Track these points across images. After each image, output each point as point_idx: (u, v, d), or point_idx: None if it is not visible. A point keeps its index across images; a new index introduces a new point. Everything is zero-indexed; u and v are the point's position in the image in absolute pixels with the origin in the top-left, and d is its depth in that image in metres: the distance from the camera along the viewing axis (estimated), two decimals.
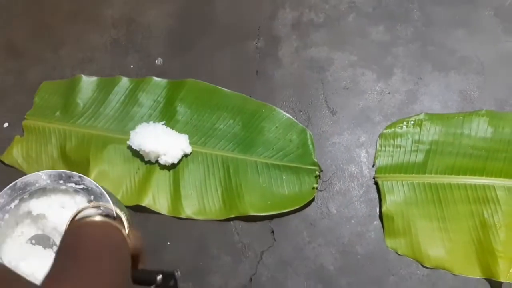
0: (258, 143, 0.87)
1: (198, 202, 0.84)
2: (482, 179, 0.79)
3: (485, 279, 0.75)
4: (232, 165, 0.86)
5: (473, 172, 0.80)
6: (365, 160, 0.86)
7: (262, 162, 0.86)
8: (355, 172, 0.85)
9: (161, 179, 0.86)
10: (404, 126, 0.86)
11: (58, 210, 0.72)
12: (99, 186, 0.69)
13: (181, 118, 0.90)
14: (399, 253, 0.78)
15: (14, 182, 0.70)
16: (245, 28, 1.00)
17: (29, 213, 0.73)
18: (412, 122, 0.86)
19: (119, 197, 0.83)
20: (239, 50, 0.98)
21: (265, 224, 0.83)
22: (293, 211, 0.83)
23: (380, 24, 0.96)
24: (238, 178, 0.85)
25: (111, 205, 0.55)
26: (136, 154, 0.87)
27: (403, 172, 0.82)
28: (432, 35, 0.94)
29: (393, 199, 0.80)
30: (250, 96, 0.92)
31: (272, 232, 0.82)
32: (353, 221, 0.82)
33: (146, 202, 0.84)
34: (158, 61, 0.98)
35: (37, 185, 0.70)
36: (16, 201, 0.70)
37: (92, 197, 0.69)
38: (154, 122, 0.89)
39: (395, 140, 0.85)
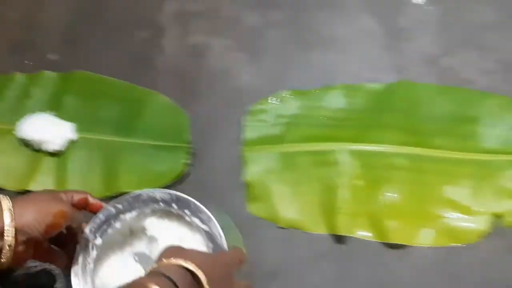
0: (140, 126, 0.95)
1: (83, 184, 0.92)
2: (332, 145, 0.87)
3: (330, 235, 0.83)
4: (114, 148, 0.94)
5: (325, 139, 0.88)
6: (235, 136, 0.94)
7: (141, 143, 0.94)
8: (225, 147, 0.93)
9: (48, 165, 0.94)
10: (269, 103, 0.94)
11: (173, 239, 0.66)
12: (224, 237, 0.62)
13: (69, 107, 0.97)
14: (259, 217, 0.86)
15: (140, 192, 0.66)
16: (135, 20, 1.07)
17: (143, 230, 0.68)
18: (276, 99, 0.94)
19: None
20: (129, 41, 1.06)
21: None
22: (167, 186, 0.91)
23: (254, 10, 1.04)
24: (119, 160, 0.93)
25: None
26: (25, 143, 0.94)
27: (265, 144, 0.91)
28: (300, 18, 1.01)
29: (253, 169, 0.89)
30: (135, 84, 0.99)
31: None
32: (220, 192, 0.90)
33: (32, 187, 0.91)
34: (53, 56, 1.06)
35: (162, 204, 0.65)
36: (134, 213, 0.65)
37: (210, 244, 0.62)
38: (43, 113, 0.96)
39: (260, 116, 0.93)
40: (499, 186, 0.80)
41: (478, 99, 0.87)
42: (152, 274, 0.46)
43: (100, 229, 0.64)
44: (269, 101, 0.94)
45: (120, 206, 0.65)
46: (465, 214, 0.80)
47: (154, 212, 0.66)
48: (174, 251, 0.50)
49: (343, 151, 0.86)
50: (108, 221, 0.64)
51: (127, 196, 0.65)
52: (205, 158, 0.93)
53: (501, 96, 0.86)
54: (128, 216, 0.65)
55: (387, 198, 0.82)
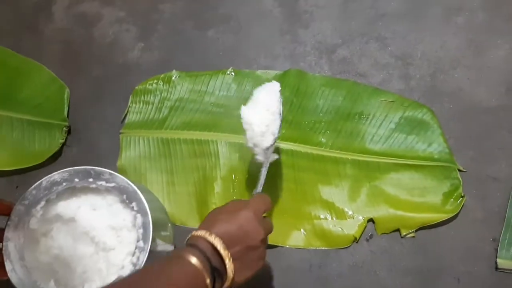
0: (17, 98, 0.88)
1: None
2: (212, 135, 0.82)
3: None
4: None
5: (205, 128, 0.83)
6: (117, 116, 0.87)
7: (17, 118, 0.87)
8: (106, 128, 0.87)
9: None
10: (155, 84, 0.88)
11: (89, 212, 0.65)
12: (132, 184, 0.62)
13: None
14: None
15: (39, 181, 0.63)
16: None
17: (58, 216, 0.65)
18: (163, 79, 0.87)
19: None
20: (14, 4, 0.97)
21: (10, 179, 0.85)
22: (38, 166, 0.85)
23: None
24: None
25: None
26: None
27: (145, 128, 0.85)
28: None
29: (129, 154, 0.83)
30: (18, 51, 0.91)
31: (17, 187, 0.85)
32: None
33: None
34: None
35: (64, 184, 0.63)
36: (43, 203, 0.63)
37: (124, 196, 0.62)
38: None
39: (146, 97, 0.87)
40: (377, 190, 0.77)
41: (368, 96, 0.82)
42: (189, 247, 0.50)
43: (17, 229, 0.62)
44: (154, 81, 0.88)
45: (26, 202, 0.63)
46: (338, 217, 0.77)
47: (60, 195, 0.65)
48: (209, 221, 0.55)
49: (223, 143, 0.81)
50: (22, 220, 0.62)
51: (29, 190, 0.63)
52: (83, 138, 0.88)
53: (391, 93, 0.82)
54: (39, 207, 0.63)
55: None
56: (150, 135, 0.84)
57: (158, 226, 0.65)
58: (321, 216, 0.77)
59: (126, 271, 0.59)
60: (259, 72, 0.86)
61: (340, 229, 0.76)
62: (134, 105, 0.87)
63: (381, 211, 0.76)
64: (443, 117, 0.80)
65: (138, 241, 0.60)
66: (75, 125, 0.88)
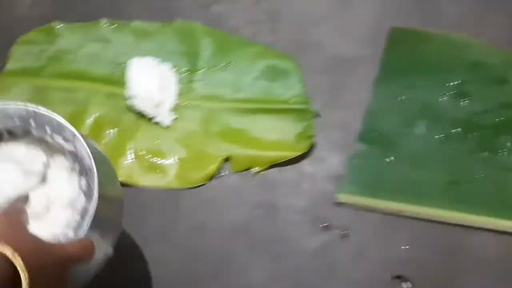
0: None
1: None
2: (84, 84, 0.86)
3: None
4: None
5: (78, 77, 0.87)
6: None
7: None
8: None
9: None
10: (36, 35, 0.91)
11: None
12: (92, 159, 0.47)
13: None
14: None
15: None
16: None
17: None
18: (44, 31, 0.91)
19: None
20: None
21: None
22: None
23: None
24: None
25: None
26: None
27: (21, 76, 0.87)
28: None
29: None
30: None
31: None
32: None
33: None
34: None
35: (16, 120, 0.51)
36: None
37: (77, 167, 0.50)
38: None
39: (28, 47, 0.90)
40: (234, 131, 0.81)
41: (237, 46, 0.87)
42: None
43: None
44: (38, 33, 0.90)
45: None
46: (197, 156, 0.80)
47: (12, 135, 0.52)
48: (4, 230, 0.40)
49: (94, 91, 0.84)
50: None
51: None
52: None
53: (259, 44, 0.87)
54: None
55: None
56: (25, 82, 0.86)
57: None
58: (181, 157, 0.80)
59: None
60: (136, 22, 0.90)
61: (198, 167, 0.79)
62: (15, 54, 0.89)
63: (237, 150, 0.80)
64: (305, 67, 0.84)
65: (69, 227, 0.49)
66: None
